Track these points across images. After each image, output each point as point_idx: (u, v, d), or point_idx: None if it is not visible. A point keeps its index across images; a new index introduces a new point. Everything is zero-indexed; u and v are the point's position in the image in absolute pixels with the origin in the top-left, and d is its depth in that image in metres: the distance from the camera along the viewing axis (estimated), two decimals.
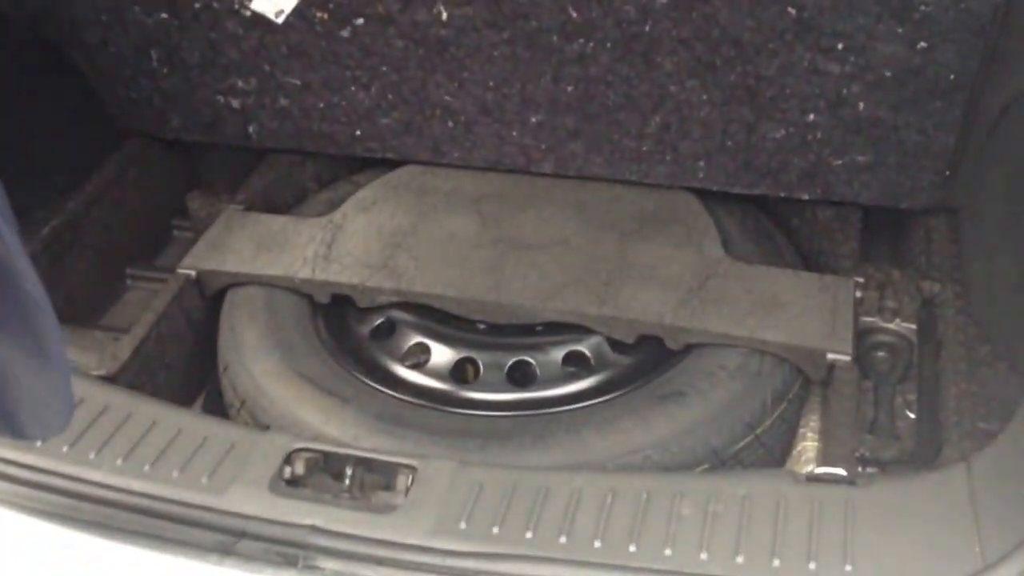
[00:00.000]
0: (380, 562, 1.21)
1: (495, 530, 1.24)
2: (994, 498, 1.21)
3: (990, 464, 1.25)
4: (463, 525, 1.24)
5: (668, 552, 1.20)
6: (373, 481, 1.31)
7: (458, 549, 1.22)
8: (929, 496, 1.26)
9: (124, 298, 1.96)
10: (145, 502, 1.29)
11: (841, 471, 1.31)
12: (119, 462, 1.33)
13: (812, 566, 1.18)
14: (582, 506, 1.27)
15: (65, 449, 1.34)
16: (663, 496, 1.28)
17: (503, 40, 1.69)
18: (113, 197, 1.98)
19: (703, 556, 1.19)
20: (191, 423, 1.41)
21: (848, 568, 1.17)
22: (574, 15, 1.62)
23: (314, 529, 1.24)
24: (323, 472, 1.33)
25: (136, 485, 1.30)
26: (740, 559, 1.19)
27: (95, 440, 1.37)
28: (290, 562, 1.23)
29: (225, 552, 1.24)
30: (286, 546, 1.24)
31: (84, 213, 1.91)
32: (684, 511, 1.26)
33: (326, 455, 1.34)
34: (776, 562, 1.18)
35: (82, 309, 1.87)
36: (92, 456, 1.34)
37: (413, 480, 1.30)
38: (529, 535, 1.23)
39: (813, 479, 1.30)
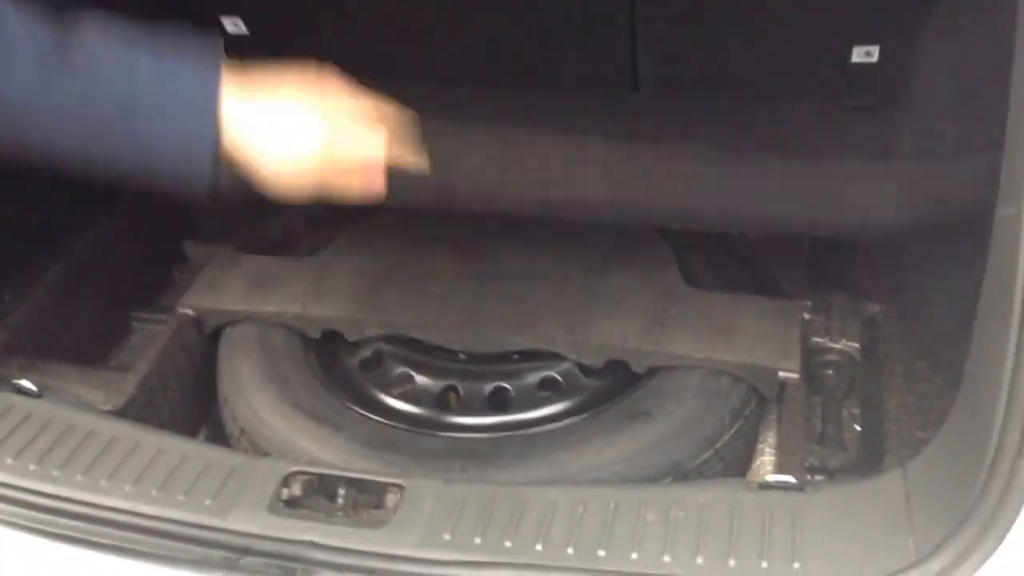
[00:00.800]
0: (372, 572, 1.33)
1: (477, 540, 1.35)
2: (926, 499, 1.34)
3: (923, 469, 1.38)
4: (447, 537, 1.36)
5: (634, 556, 1.32)
6: (365, 500, 1.42)
7: (443, 558, 1.33)
8: (869, 499, 1.38)
9: (130, 340, 2.08)
10: (155, 524, 1.39)
11: (791, 479, 1.43)
12: (128, 488, 1.44)
13: (764, 564, 1.30)
14: (556, 517, 1.39)
15: (79, 478, 1.46)
16: (629, 506, 1.40)
17: None
18: (116, 243, 2.10)
19: (666, 558, 1.31)
20: (194, 451, 1.53)
21: (796, 565, 1.29)
22: None
23: (311, 544, 1.36)
24: (318, 494, 1.44)
25: (146, 509, 1.41)
26: (700, 560, 1.31)
27: (106, 469, 1.48)
28: (289, 575, 1.35)
29: (230, 568, 1.35)
30: (286, 560, 1.35)
31: (88, 259, 2.03)
32: (648, 518, 1.38)
33: (320, 477, 1.46)
34: (732, 562, 1.31)
35: (91, 350, 1.99)
36: (103, 483, 1.45)
37: (401, 498, 1.42)
38: (508, 544, 1.35)
39: (765, 487, 1.42)
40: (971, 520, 1.24)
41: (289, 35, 2.39)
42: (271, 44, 2.37)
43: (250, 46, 2.42)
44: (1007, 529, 1.19)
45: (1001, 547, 1.19)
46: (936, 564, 1.25)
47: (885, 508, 1.36)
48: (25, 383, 1.61)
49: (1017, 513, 1.19)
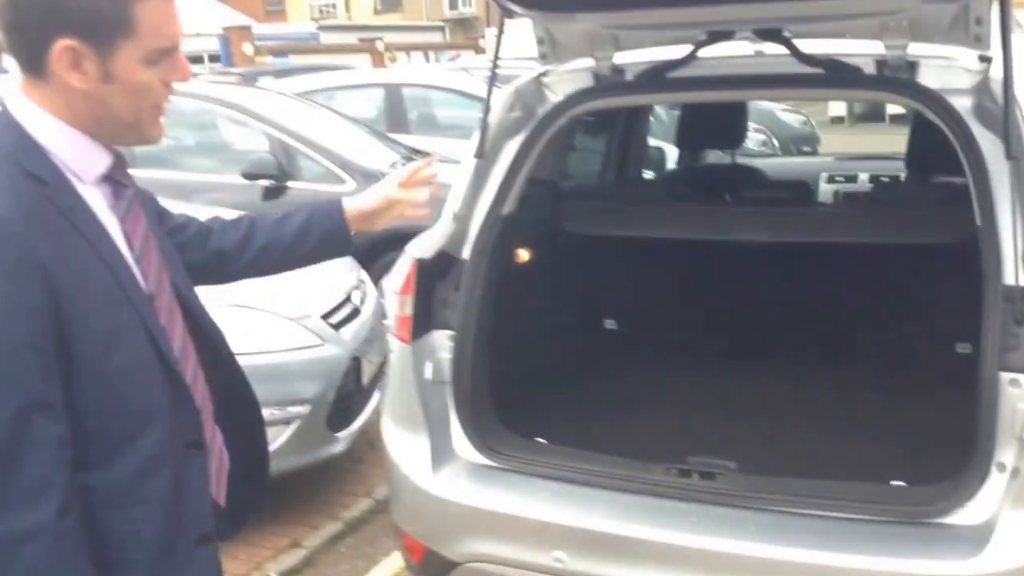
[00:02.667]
0: (714, 493, 3.11)
1: (761, 490, 3.11)
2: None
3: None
4: (749, 491, 3.11)
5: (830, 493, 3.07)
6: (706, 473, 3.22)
7: (748, 494, 3.08)
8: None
9: None
10: (619, 476, 3.21)
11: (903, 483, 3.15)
12: (602, 463, 3.30)
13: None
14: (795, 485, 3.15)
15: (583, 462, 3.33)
16: (827, 485, 3.14)
17: None
18: None
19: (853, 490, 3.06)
20: (619, 460, 3.38)
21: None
22: None
23: (686, 486, 3.16)
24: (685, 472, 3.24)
25: (620, 471, 3.23)
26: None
27: (584, 461, 3.34)
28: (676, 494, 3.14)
29: (651, 492, 3.16)
30: (674, 489, 3.16)
31: None
32: (834, 486, 3.12)
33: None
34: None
35: None
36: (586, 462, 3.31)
37: (723, 474, 3.20)
38: (771, 489, 3.11)
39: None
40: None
41: (648, 328, 4.50)
42: (635, 337, 4.49)
43: (621, 338, 4.54)
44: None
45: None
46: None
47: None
48: (540, 439, 3.54)
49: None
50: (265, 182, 7.34)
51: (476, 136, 3.49)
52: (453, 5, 44.59)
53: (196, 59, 20.28)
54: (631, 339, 4.49)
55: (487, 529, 3.16)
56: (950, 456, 3.06)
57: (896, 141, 9.38)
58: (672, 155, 6.91)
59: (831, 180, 5.69)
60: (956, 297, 3.88)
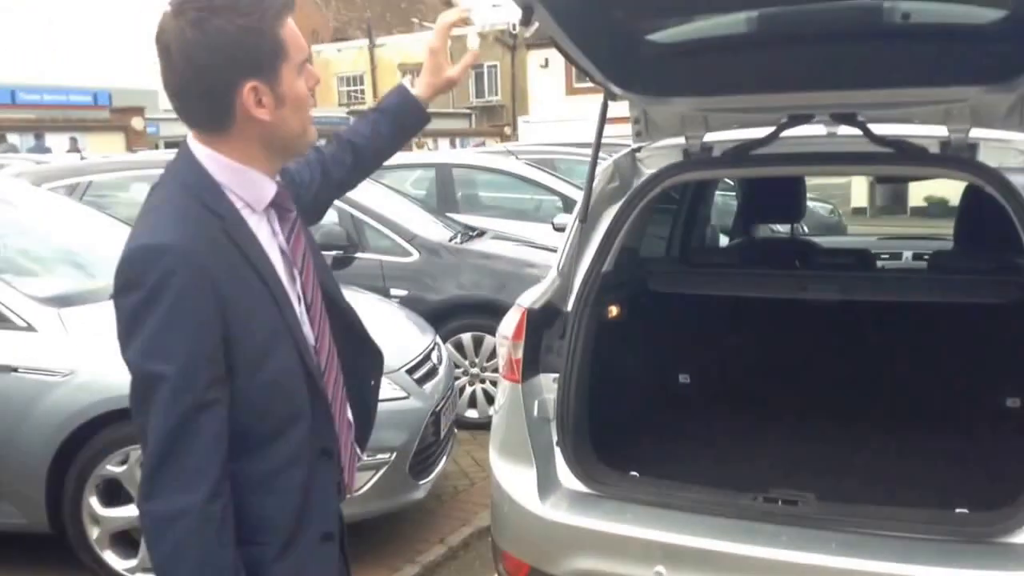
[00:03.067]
0: (798, 516, 3.49)
1: (837, 511, 3.50)
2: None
3: None
4: (827, 512, 3.50)
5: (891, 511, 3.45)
6: (788, 500, 3.60)
7: (826, 517, 3.47)
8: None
9: None
10: (709, 502, 3.61)
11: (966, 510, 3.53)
12: (697, 491, 3.69)
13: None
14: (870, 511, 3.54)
15: (684, 491, 3.73)
16: (897, 512, 3.52)
17: None
18: None
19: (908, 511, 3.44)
20: (712, 491, 3.76)
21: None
22: None
23: (768, 512, 3.54)
24: (770, 499, 3.63)
25: (708, 498, 3.63)
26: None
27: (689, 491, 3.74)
28: (768, 520, 3.52)
29: (739, 516, 3.53)
30: (757, 513, 3.54)
31: None
32: (901, 512, 3.51)
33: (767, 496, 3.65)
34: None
35: None
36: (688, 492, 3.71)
37: (805, 501, 3.58)
38: (849, 514, 3.49)
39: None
40: None
41: (722, 376, 4.91)
42: (705, 390, 4.90)
43: (697, 387, 4.95)
44: None
45: None
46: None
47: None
48: (633, 473, 3.93)
49: None
50: (335, 252, 7.73)
51: (580, 202, 3.96)
52: (480, 93, 45.75)
53: None
54: (707, 387, 4.90)
55: (591, 547, 3.53)
56: (1003, 488, 3.45)
57: (917, 232, 9.84)
58: (723, 238, 7.36)
59: (877, 257, 6.08)
60: (1006, 356, 4.31)
